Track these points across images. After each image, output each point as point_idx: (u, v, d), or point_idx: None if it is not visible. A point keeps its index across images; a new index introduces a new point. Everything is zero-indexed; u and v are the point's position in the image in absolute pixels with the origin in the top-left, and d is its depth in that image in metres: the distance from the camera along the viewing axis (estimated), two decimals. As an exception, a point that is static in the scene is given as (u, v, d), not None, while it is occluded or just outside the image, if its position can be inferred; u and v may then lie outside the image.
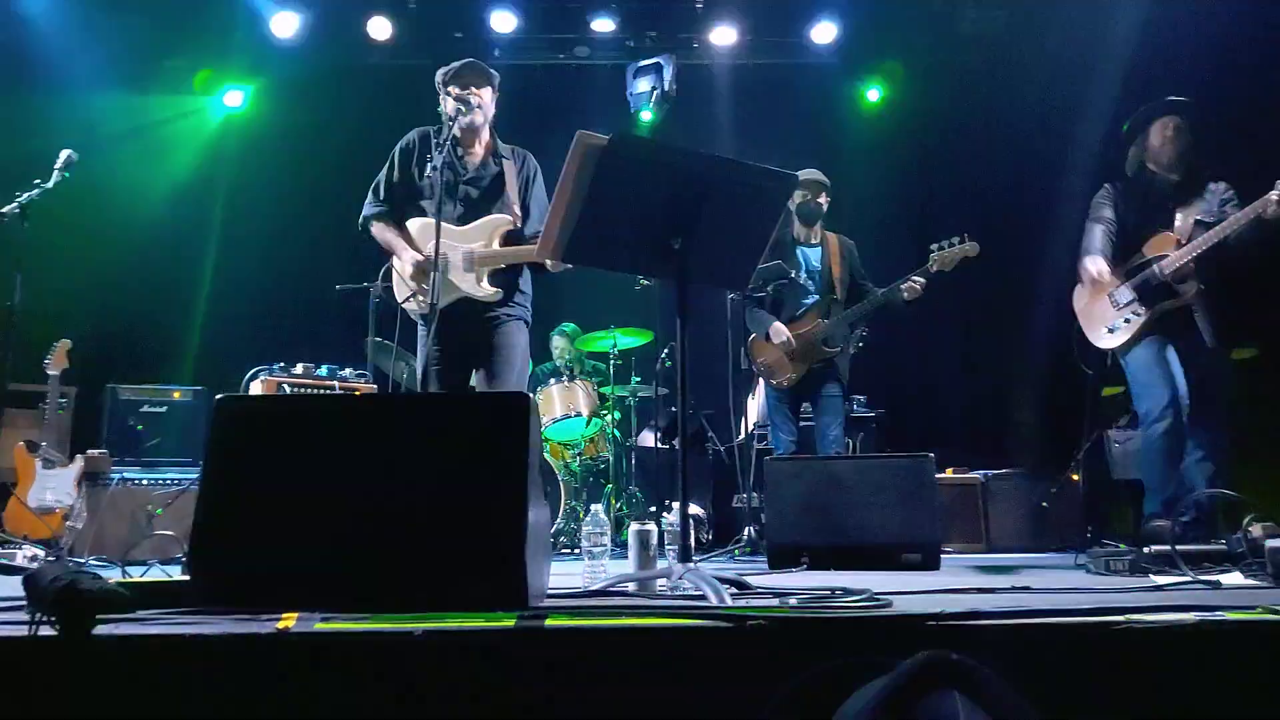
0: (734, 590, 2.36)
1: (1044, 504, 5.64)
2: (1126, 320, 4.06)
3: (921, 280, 4.92)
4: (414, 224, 3.92)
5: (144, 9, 6.71)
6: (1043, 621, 1.72)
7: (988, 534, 5.69)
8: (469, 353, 3.83)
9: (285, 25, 6.94)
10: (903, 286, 4.93)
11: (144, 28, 6.76)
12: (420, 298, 3.81)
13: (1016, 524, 5.74)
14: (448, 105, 3.79)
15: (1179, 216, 4.02)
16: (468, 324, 3.78)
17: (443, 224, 3.87)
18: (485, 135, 3.95)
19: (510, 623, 1.76)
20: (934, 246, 4.88)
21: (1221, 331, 3.94)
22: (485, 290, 3.72)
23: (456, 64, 3.81)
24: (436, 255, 3.49)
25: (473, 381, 3.88)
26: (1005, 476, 5.90)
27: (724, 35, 7.10)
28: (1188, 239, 3.94)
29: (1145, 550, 3.33)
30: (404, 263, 3.81)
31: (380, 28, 7.05)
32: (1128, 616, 1.71)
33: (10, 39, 6.34)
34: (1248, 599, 2.12)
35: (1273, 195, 3.72)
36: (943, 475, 5.73)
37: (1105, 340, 4.15)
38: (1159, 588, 2.69)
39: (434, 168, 3.46)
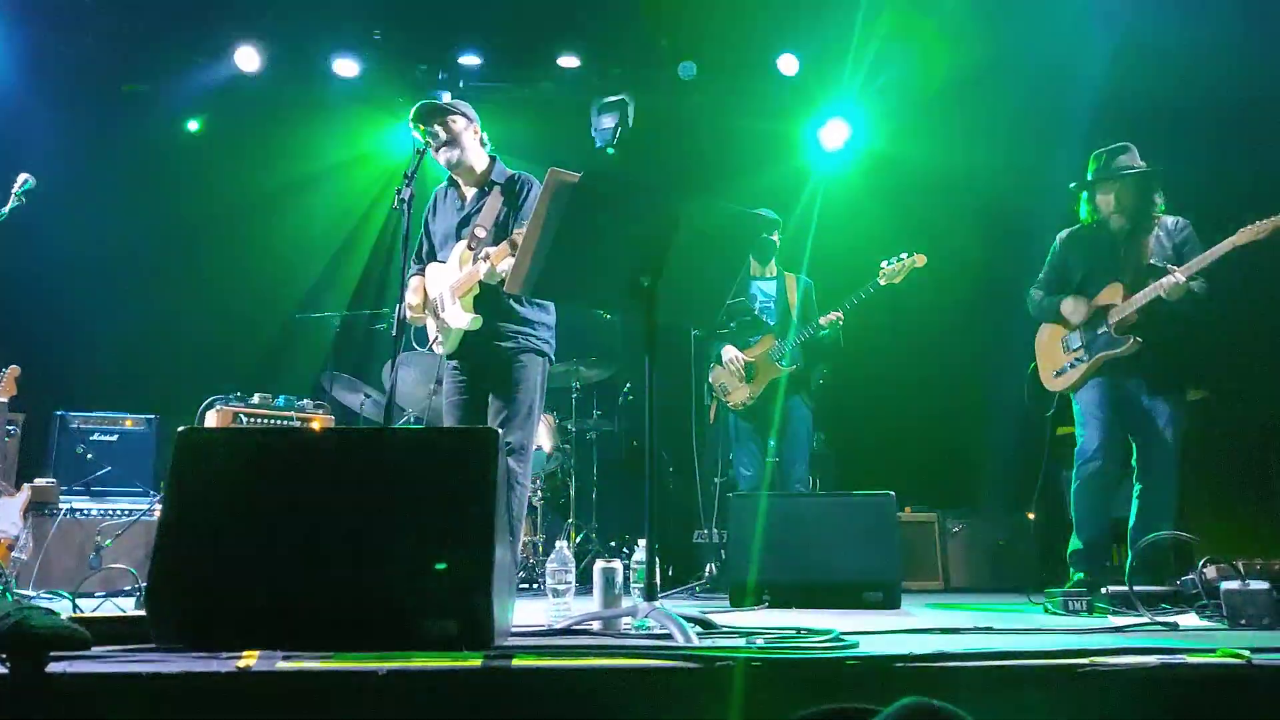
0: (700, 629, 2.36)
1: (1000, 542, 5.71)
2: (1072, 365, 4.18)
3: (839, 313, 5.06)
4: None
5: (102, 33, 6.63)
6: (1009, 664, 1.74)
7: (945, 573, 5.75)
8: (488, 386, 3.79)
9: (248, 59, 6.90)
10: (822, 320, 5.08)
11: (102, 51, 6.68)
12: (439, 339, 3.85)
13: (974, 563, 5.80)
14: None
15: (1129, 265, 4.11)
16: (486, 357, 3.76)
17: (435, 265, 3.91)
18: (476, 165, 3.90)
19: (476, 662, 1.74)
20: (882, 262, 4.99)
21: (1164, 383, 4.03)
22: (466, 319, 3.70)
23: (414, 109, 3.81)
24: (402, 293, 3.50)
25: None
26: (963, 515, 5.97)
27: (687, 71, 7.18)
28: (1138, 288, 4.02)
29: (1102, 591, 3.39)
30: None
31: (345, 64, 7.04)
32: (1091, 659, 1.74)
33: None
34: (1207, 641, 2.16)
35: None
36: (901, 514, 5.78)
37: (1054, 383, 4.28)
38: (1118, 629, 2.74)
39: (400, 200, 3.44)
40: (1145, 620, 2.87)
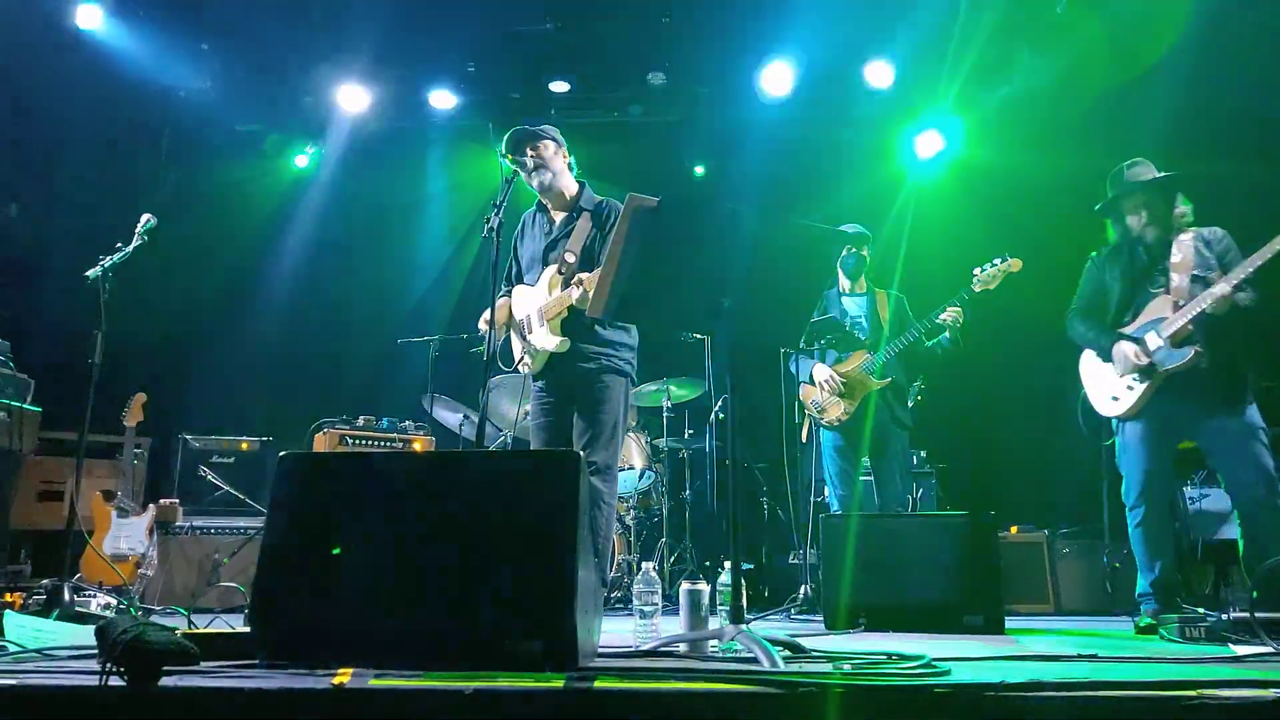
0: (787, 653, 2.32)
1: (1116, 564, 5.43)
2: (1129, 388, 3.93)
3: (957, 309, 4.84)
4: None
5: (219, 77, 7.05)
6: (1109, 694, 1.66)
7: (1056, 595, 5.49)
8: (572, 407, 3.86)
9: (351, 98, 7.23)
10: (940, 318, 4.85)
11: (219, 95, 7.10)
12: (525, 359, 3.96)
13: (1086, 585, 5.53)
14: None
15: (1174, 277, 3.89)
16: (569, 377, 3.84)
17: (521, 287, 4.00)
18: (566, 190, 4.00)
19: (559, 684, 1.76)
20: (976, 268, 4.81)
21: (1226, 397, 3.77)
22: (554, 341, 3.78)
23: (506, 136, 3.92)
24: (493, 315, 3.63)
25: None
26: (1073, 535, 5.70)
27: (776, 87, 7.17)
28: (1186, 299, 3.80)
29: (1224, 617, 3.18)
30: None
31: (442, 96, 7.30)
32: (1200, 691, 1.64)
33: (101, 112, 6.70)
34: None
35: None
36: (1006, 533, 5.58)
37: (1109, 408, 4.01)
38: (1238, 659, 2.57)
39: (490, 228, 3.54)
40: (1270, 650, 2.68)
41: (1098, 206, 4.18)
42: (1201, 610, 3.73)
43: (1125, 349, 3.96)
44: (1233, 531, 3.83)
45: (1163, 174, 4.01)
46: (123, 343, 4.37)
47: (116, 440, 5.28)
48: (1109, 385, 4.04)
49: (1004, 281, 4.78)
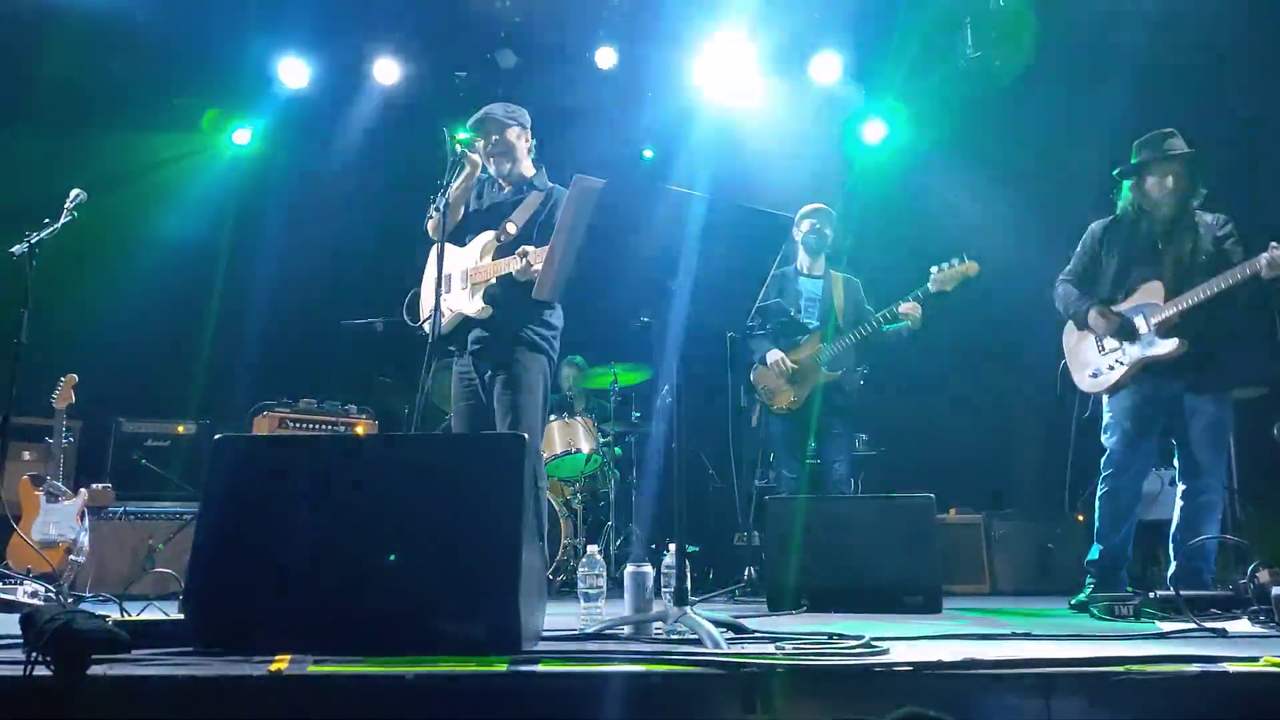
0: (730, 634, 2.35)
1: (1049, 545, 5.58)
2: (1110, 367, 4.00)
3: (915, 304, 4.88)
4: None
5: (154, 48, 6.80)
6: (1040, 671, 1.71)
7: (992, 576, 5.63)
8: (492, 388, 3.79)
9: (292, 71, 7.05)
10: (900, 309, 4.89)
11: (154, 67, 6.85)
12: (429, 319, 3.84)
13: (1021, 565, 5.67)
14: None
15: (1169, 261, 3.94)
16: (486, 355, 3.77)
17: (448, 245, 3.90)
18: (522, 171, 3.94)
19: (502, 667, 1.75)
20: (933, 268, 4.86)
21: (1207, 384, 3.86)
22: (475, 306, 3.71)
23: (474, 119, 3.84)
24: (439, 280, 3.53)
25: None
26: (1008, 517, 5.84)
27: (724, 71, 7.16)
28: (1176, 288, 3.85)
29: (1151, 595, 3.30)
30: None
31: (386, 70, 7.15)
32: (1127, 667, 1.69)
33: (23, 78, 6.42)
34: (1252, 649, 2.10)
35: (1264, 256, 3.61)
36: (945, 515, 5.69)
37: (1088, 384, 4.09)
38: (1163, 635, 2.67)
39: (436, 208, 3.48)
40: (1192, 626, 2.78)
41: (1117, 171, 4.12)
42: (1130, 589, 3.87)
43: (1100, 316, 3.98)
44: (1161, 512, 3.96)
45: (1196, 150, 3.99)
46: (52, 322, 4.23)
47: (45, 423, 5.10)
48: (1091, 361, 4.08)
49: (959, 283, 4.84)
